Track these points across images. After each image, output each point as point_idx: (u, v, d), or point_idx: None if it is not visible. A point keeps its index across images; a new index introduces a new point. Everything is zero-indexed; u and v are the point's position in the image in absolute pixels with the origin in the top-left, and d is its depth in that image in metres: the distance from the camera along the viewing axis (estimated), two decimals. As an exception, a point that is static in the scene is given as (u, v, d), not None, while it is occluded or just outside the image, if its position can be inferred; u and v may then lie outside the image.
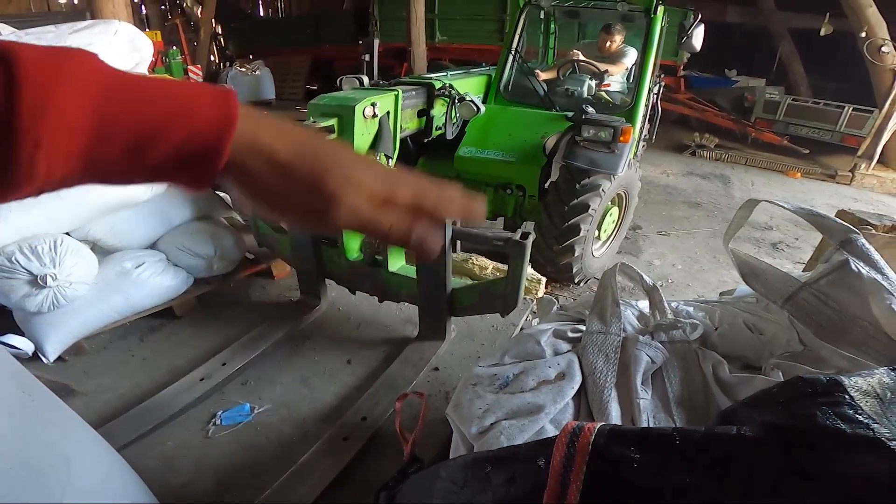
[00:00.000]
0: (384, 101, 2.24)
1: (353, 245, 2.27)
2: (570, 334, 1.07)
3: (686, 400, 0.90)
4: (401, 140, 2.77)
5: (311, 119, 2.04)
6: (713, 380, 0.91)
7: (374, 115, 2.17)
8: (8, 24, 2.29)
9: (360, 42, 3.35)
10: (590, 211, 2.70)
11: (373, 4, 8.88)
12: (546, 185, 2.99)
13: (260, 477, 1.65)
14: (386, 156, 2.24)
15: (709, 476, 0.59)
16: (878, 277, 0.96)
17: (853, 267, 0.95)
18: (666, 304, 1.18)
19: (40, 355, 2.05)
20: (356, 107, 2.04)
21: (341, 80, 2.87)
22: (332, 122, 2.04)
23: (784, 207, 1.04)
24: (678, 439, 0.59)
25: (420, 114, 2.79)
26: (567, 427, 0.62)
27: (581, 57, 3.65)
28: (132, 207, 2.13)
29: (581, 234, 2.72)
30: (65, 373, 2.06)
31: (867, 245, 0.99)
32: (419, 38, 7.12)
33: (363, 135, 2.14)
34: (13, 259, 1.85)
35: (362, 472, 1.68)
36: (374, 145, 2.21)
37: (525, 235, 1.75)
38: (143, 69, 2.39)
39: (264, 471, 1.68)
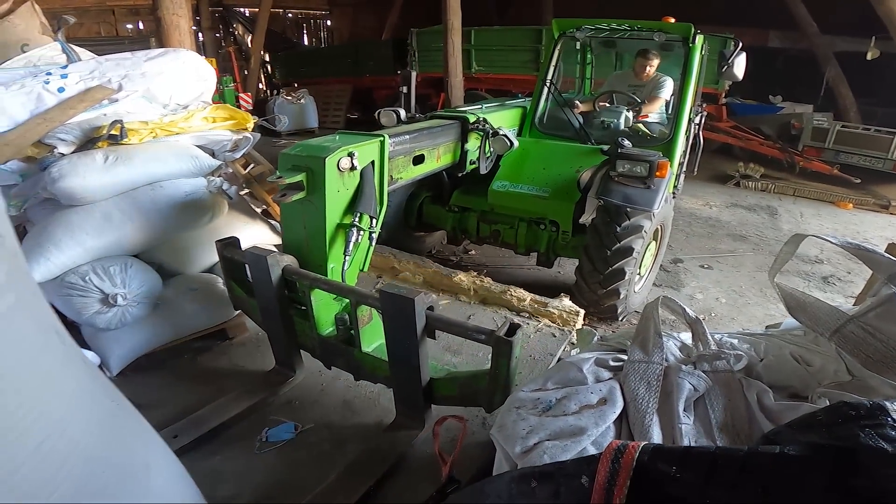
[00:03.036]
0: (365, 150, 1.93)
1: (325, 318, 2.00)
2: (612, 363, 1.10)
3: (729, 426, 0.90)
4: (436, 174, 2.76)
5: (277, 174, 1.77)
6: (758, 407, 0.92)
7: (353, 168, 1.86)
8: (85, 48, 2.52)
9: (399, 72, 3.45)
10: (634, 254, 2.62)
11: (411, 36, 9.20)
12: (580, 220, 2.95)
13: (299, 492, 1.70)
14: (370, 216, 1.95)
15: (751, 493, 0.60)
16: (930, 310, 0.95)
17: (902, 299, 0.95)
18: (709, 337, 1.19)
19: (104, 369, 2.20)
20: (327, 159, 1.74)
21: (379, 112, 2.91)
22: (300, 177, 1.76)
23: (831, 242, 1.04)
24: (720, 458, 0.61)
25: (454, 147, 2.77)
26: (612, 445, 0.66)
27: (615, 87, 3.67)
28: (192, 232, 2.29)
29: (626, 277, 2.65)
30: (124, 387, 2.18)
31: (917, 277, 0.98)
32: (456, 69, 7.33)
33: (338, 191, 1.85)
34: (87, 279, 2.01)
35: (397, 492, 1.71)
36: (354, 204, 1.92)
37: (512, 330, 1.47)
38: (207, 98, 2.55)
39: (303, 487, 1.72)
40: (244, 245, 2.15)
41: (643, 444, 0.65)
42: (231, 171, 2.60)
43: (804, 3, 8.60)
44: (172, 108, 2.29)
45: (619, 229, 2.60)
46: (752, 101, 9.01)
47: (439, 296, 2.97)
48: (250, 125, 2.55)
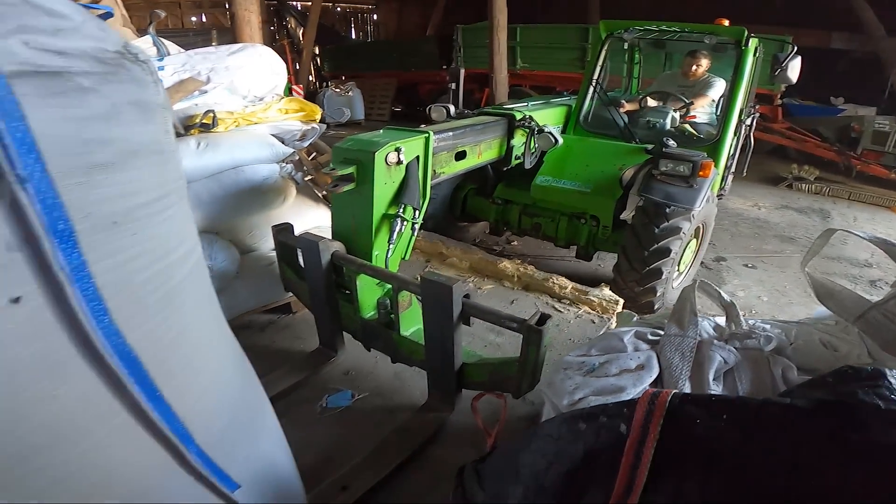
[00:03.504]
0: (411, 146, 2.05)
1: (368, 302, 2.13)
2: (650, 336, 1.23)
3: (754, 396, 1.03)
4: (479, 168, 2.92)
5: (331, 166, 1.92)
6: (782, 381, 1.04)
7: (399, 162, 1.99)
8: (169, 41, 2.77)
9: (444, 67, 3.57)
10: (671, 255, 2.68)
11: (456, 32, 9.30)
12: (621, 216, 3.02)
13: (357, 452, 1.89)
14: (413, 208, 2.08)
15: (762, 437, 0.74)
16: (951, 302, 1.04)
17: (925, 291, 1.04)
18: (742, 320, 1.31)
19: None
20: (376, 153, 1.87)
21: (430, 108, 3.06)
22: (351, 169, 1.90)
23: (858, 235, 1.14)
24: (738, 405, 0.75)
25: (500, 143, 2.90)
26: (647, 391, 0.80)
27: (664, 87, 3.69)
28: (266, 213, 2.53)
29: (663, 276, 2.71)
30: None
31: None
32: (501, 65, 7.40)
33: (385, 184, 1.98)
34: (177, 252, 2.27)
35: (440, 458, 1.87)
36: (399, 196, 2.06)
37: (543, 320, 1.51)
38: (279, 91, 2.77)
39: (360, 447, 1.91)
40: (306, 227, 2.34)
41: (674, 391, 0.79)
42: (298, 158, 2.83)
43: (871, 5, 8.28)
44: (251, 99, 2.53)
45: (657, 230, 2.66)
46: (812, 102, 8.70)
47: (484, 281, 3.13)
48: (318, 116, 2.78)
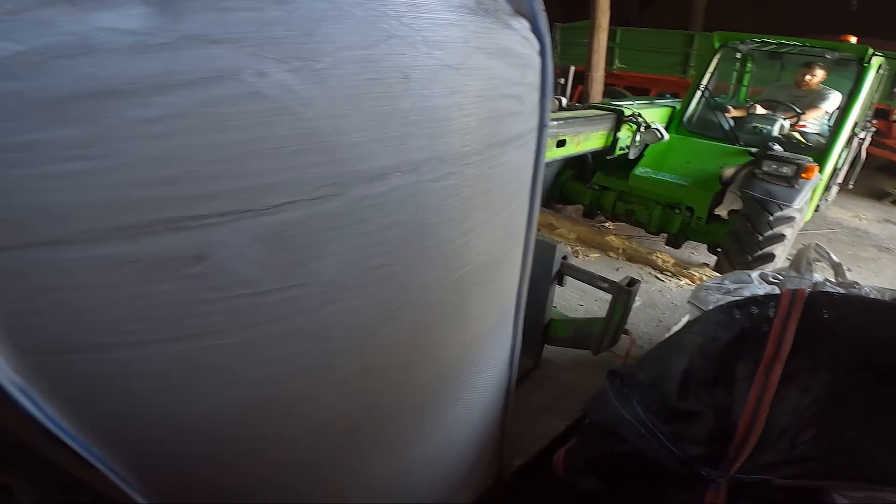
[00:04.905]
0: None
1: None
2: (771, 279, 1.60)
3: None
4: (581, 156, 3.21)
5: None
6: (881, 311, 1.38)
7: None
8: None
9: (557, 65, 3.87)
10: (785, 241, 2.88)
11: (555, 30, 9.58)
12: (716, 210, 3.20)
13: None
14: None
15: (872, 324, 1.11)
16: None
17: None
18: (847, 276, 1.64)
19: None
20: None
21: None
22: None
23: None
24: (856, 301, 1.12)
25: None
26: (788, 290, 1.20)
27: (775, 96, 3.82)
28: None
29: (774, 261, 2.89)
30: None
31: None
32: (599, 64, 7.61)
33: None
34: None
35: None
36: None
37: (632, 283, 1.62)
38: None
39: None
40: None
41: (810, 290, 1.18)
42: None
43: None
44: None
45: (772, 218, 2.85)
46: (928, 118, 8.23)
47: (590, 251, 3.52)
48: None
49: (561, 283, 1.88)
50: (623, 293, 1.61)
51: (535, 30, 0.89)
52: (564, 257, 1.84)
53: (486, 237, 0.78)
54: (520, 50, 0.82)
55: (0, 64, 0.49)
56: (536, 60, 0.89)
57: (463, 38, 0.68)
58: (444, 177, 0.67)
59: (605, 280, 1.71)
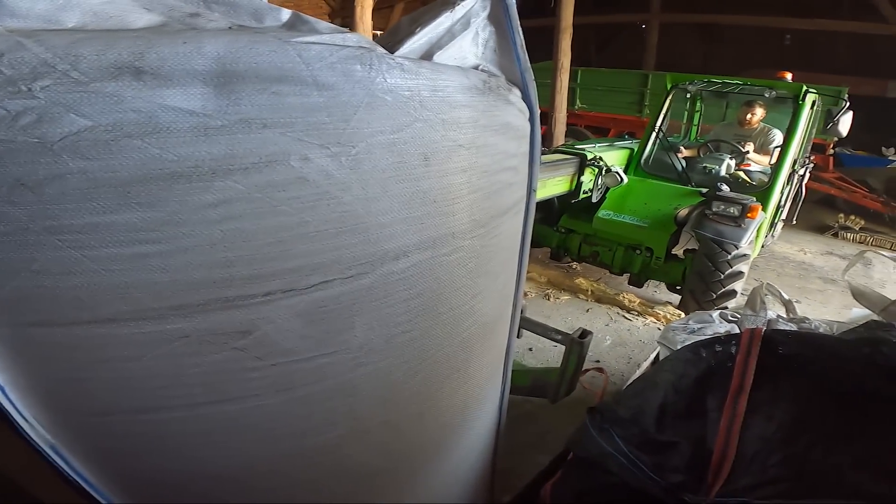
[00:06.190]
0: None
1: None
2: (730, 317, 1.75)
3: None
4: (547, 200, 3.34)
5: None
6: (828, 347, 1.54)
7: None
8: None
9: None
10: (743, 277, 3.11)
11: (520, 71, 9.98)
12: (672, 250, 3.40)
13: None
14: None
15: (823, 356, 1.25)
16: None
17: (931, 294, 1.54)
18: (797, 313, 1.81)
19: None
20: None
21: None
22: None
23: (885, 256, 1.65)
24: (807, 337, 1.27)
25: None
26: (747, 328, 1.33)
27: (721, 136, 4.09)
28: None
29: (736, 296, 3.10)
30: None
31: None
32: (561, 105, 7.97)
33: None
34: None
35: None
36: None
37: (584, 334, 1.66)
38: None
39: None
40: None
41: (766, 328, 1.32)
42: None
43: None
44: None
45: (730, 257, 3.05)
46: (863, 152, 8.86)
47: (561, 293, 3.66)
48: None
49: (518, 336, 1.91)
50: (576, 345, 1.67)
51: (526, 97, 1.00)
52: (521, 311, 1.89)
53: (488, 300, 0.87)
54: (517, 123, 0.93)
55: (68, 141, 0.49)
56: (528, 129, 1.00)
57: (473, 118, 0.78)
58: (455, 250, 0.76)
59: (558, 332, 1.76)
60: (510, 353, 1.20)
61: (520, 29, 0.97)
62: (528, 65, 1.00)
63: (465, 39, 0.88)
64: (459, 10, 0.85)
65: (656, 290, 4.10)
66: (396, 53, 0.75)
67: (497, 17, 0.94)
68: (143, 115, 0.52)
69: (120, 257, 0.57)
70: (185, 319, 0.60)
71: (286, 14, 0.65)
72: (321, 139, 0.60)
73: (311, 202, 0.61)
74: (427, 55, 0.79)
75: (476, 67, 0.90)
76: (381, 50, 0.66)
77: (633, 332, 3.18)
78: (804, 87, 3.63)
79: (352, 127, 0.62)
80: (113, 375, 0.62)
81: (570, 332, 1.70)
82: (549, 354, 2.85)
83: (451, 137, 0.73)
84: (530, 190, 1.04)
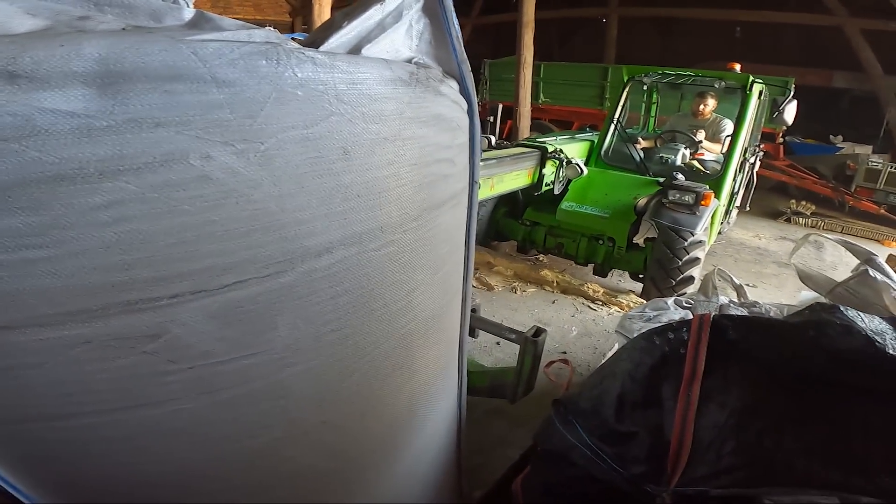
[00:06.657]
0: None
1: None
2: (685, 304, 1.78)
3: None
4: (511, 193, 3.37)
5: None
6: (776, 328, 1.58)
7: None
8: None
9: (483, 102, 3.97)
10: (700, 262, 3.20)
11: (484, 66, 9.99)
12: (634, 239, 3.48)
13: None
14: None
15: (771, 341, 1.27)
16: (889, 281, 1.59)
17: (871, 273, 1.59)
18: (748, 297, 1.85)
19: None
20: None
21: None
22: None
23: (829, 239, 1.70)
24: (755, 320, 1.29)
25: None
26: (697, 315, 1.34)
27: (676, 126, 4.20)
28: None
29: (695, 281, 3.17)
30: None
31: (882, 263, 1.62)
32: (525, 99, 8.04)
33: None
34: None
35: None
36: None
37: (538, 332, 1.65)
38: None
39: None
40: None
41: (715, 314, 1.33)
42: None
43: (871, 44, 8.70)
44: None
45: (686, 243, 3.13)
46: (812, 140, 9.24)
47: (527, 286, 3.67)
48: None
49: (472, 335, 1.86)
50: (530, 343, 1.65)
51: (464, 90, 0.98)
52: (473, 310, 1.80)
53: (428, 294, 0.84)
54: (450, 114, 0.91)
55: (-60, 148, 0.48)
56: (465, 122, 0.98)
57: (398, 110, 0.76)
58: (385, 245, 0.73)
59: (512, 331, 1.74)
60: (463, 348, 1.18)
61: (456, 20, 0.95)
62: (465, 56, 0.98)
63: (397, 32, 0.86)
64: (390, 3, 0.83)
65: (620, 279, 4.16)
66: (322, 48, 0.72)
67: (432, 9, 0.92)
68: (19, 119, 0.50)
69: (6, 264, 0.54)
70: (84, 325, 0.56)
71: (189, 13, 0.63)
72: (224, 136, 0.58)
73: (217, 201, 0.58)
74: (355, 49, 0.78)
75: (410, 60, 0.88)
76: (291, 45, 0.63)
77: (599, 321, 3.22)
78: (751, 78, 3.76)
79: (259, 123, 0.60)
80: (17, 383, 0.59)
81: (524, 332, 1.67)
82: (517, 348, 2.84)
83: (374, 130, 0.70)
84: (472, 182, 1.02)
